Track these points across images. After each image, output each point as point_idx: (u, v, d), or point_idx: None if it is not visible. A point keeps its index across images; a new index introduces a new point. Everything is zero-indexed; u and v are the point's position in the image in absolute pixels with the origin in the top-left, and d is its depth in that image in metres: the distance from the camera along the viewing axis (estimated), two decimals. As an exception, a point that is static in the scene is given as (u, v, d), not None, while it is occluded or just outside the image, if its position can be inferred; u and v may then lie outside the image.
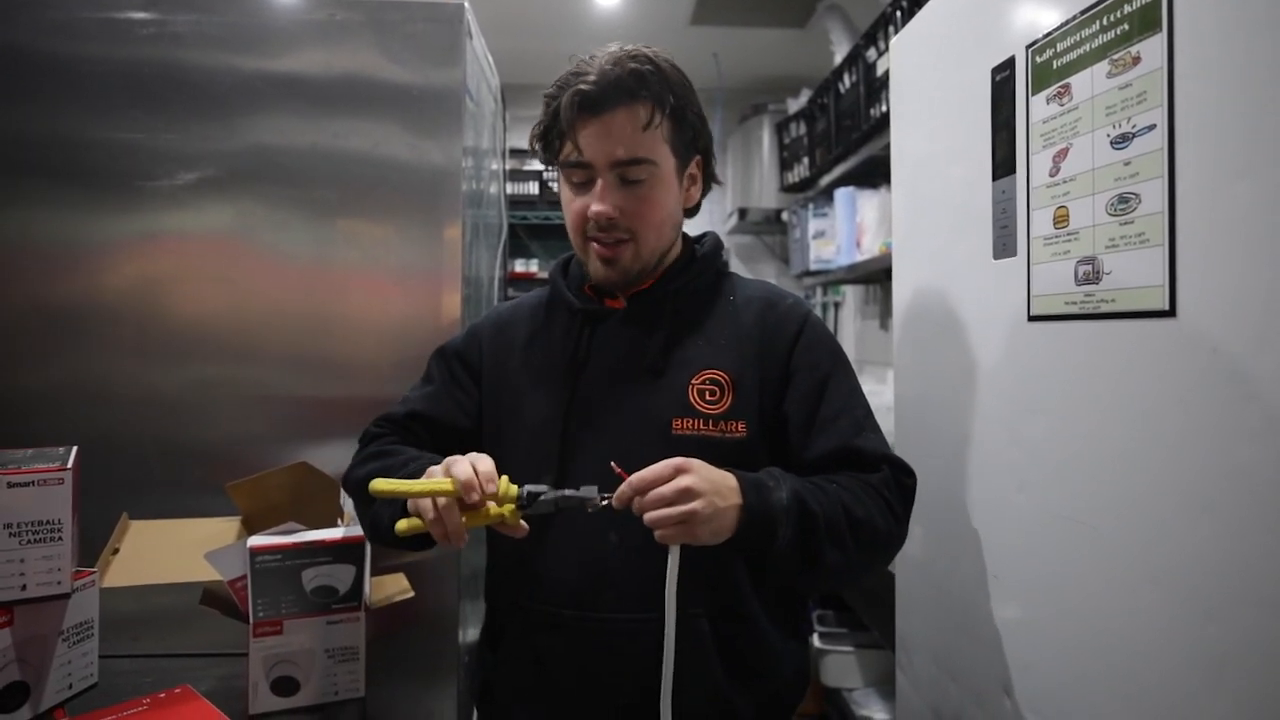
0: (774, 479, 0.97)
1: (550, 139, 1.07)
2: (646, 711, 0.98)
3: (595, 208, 1.04)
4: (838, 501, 0.97)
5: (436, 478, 0.92)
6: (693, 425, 1.04)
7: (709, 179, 1.16)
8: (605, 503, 0.92)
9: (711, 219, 4.30)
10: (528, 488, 0.93)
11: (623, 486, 0.90)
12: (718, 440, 1.03)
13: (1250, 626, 0.80)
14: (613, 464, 0.93)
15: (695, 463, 0.91)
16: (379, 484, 0.90)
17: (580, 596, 1.04)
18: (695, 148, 1.12)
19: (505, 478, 0.93)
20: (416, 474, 0.98)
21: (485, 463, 0.93)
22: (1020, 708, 1.15)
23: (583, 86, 1.01)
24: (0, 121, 1.38)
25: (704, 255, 1.16)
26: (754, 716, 1.06)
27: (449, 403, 1.15)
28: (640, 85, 1.02)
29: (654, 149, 1.05)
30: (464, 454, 0.95)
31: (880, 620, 1.91)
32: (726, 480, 0.93)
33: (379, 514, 1.03)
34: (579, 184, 1.07)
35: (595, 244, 1.07)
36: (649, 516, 0.89)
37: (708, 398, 1.05)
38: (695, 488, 0.89)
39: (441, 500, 0.90)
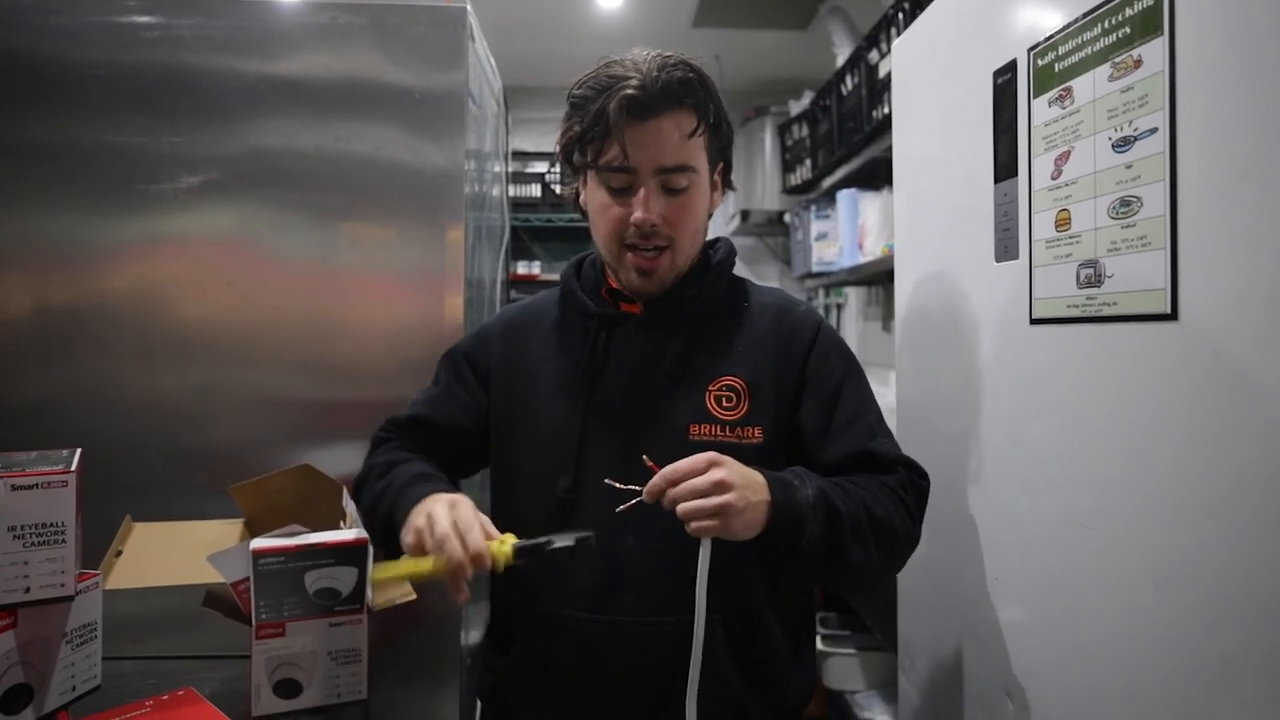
0: (799, 477, 0.98)
1: (587, 142, 1.04)
2: (659, 714, 0.98)
3: (639, 215, 1.03)
4: (859, 500, 0.99)
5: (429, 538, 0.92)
6: (710, 431, 1.05)
7: (726, 185, 1.17)
8: (621, 509, 0.92)
9: (714, 221, 4.29)
10: (520, 544, 0.92)
11: (655, 478, 0.91)
12: (735, 446, 1.03)
13: (1254, 631, 0.80)
14: (644, 457, 0.94)
15: (725, 457, 0.92)
16: (379, 574, 0.97)
17: (595, 599, 1.04)
18: (722, 155, 1.13)
19: (497, 541, 0.91)
20: (415, 500, 0.99)
21: (474, 536, 0.89)
22: (1022, 711, 1.15)
23: (630, 91, 0.99)
24: (4, 125, 1.38)
25: (719, 262, 1.16)
26: None
27: (451, 405, 1.16)
28: (687, 93, 1.02)
29: (695, 156, 1.05)
30: (452, 492, 0.98)
31: (883, 623, 1.91)
32: (755, 476, 0.94)
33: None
34: (618, 189, 1.05)
35: (632, 254, 1.06)
36: (684, 508, 0.89)
37: (725, 404, 1.06)
38: (729, 480, 0.90)
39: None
